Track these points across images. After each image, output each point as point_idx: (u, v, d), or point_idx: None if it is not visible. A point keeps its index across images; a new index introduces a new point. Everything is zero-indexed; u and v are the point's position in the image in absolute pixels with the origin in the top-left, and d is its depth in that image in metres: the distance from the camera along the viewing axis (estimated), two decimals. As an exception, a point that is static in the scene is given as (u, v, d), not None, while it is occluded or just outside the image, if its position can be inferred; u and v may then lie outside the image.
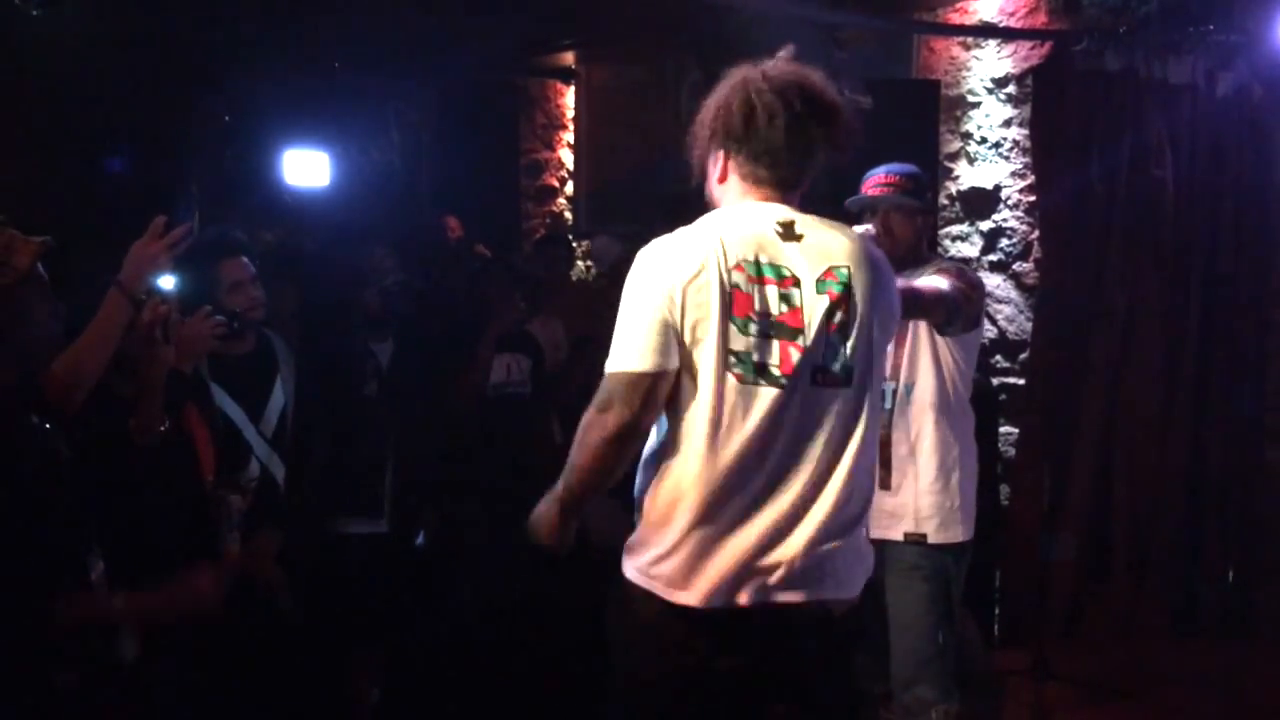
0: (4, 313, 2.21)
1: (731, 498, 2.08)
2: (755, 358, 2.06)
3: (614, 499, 2.35)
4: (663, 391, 2.08)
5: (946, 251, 5.31)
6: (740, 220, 2.13)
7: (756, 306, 2.07)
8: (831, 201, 3.31)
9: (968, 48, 5.33)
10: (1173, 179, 4.63)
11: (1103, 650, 4.58)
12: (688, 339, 2.05)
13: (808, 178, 2.19)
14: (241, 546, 3.12)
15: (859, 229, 3.13)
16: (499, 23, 6.01)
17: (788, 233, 2.13)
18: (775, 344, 2.07)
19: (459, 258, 5.70)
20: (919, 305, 2.98)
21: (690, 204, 2.30)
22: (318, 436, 3.68)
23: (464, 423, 4.23)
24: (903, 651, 3.15)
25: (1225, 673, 4.22)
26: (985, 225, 5.32)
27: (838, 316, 2.11)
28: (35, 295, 2.26)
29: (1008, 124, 5.22)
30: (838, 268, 2.12)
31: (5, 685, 2.10)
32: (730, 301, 2.05)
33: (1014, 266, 5.24)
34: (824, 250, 2.13)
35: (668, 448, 2.12)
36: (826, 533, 2.12)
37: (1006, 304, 5.25)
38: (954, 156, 5.38)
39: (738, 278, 2.06)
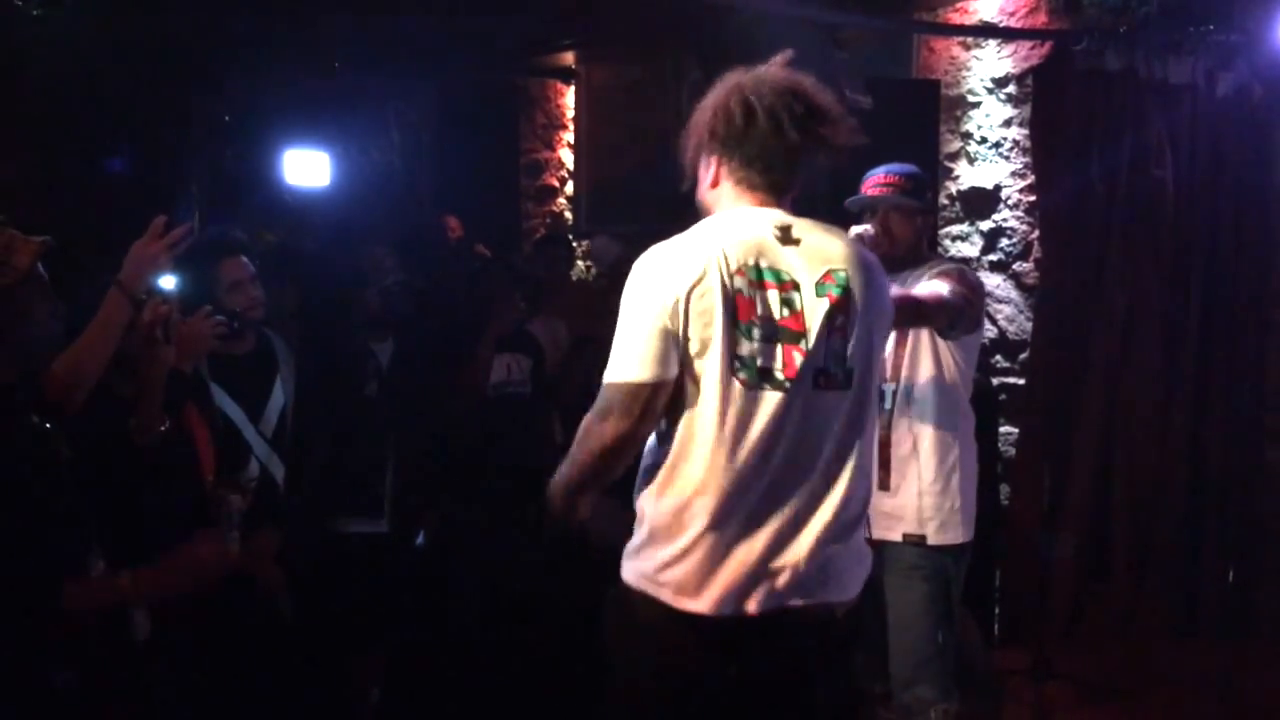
0: (4, 313, 2.21)
1: (740, 503, 2.08)
2: (759, 362, 2.06)
3: (614, 499, 2.35)
4: (662, 401, 2.08)
5: (946, 251, 5.31)
6: (738, 225, 2.13)
7: (759, 311, 2.07)
8: (831, 201, 3.32)
9: (968, 47, 5.33)
10: (1173, 179, 4.63)
11: (1103, 650, 4.58)
12: (692, 346, 2.05)
13: (800, 182, 2.20)
14: (241, 546, 3.12)
15: (858, 229, 3.14)
16: (499, 23, 6.01)
17: (785, 237, 2.13)
18: (778, 348, 2.08)
19: (459, 258, 5.70)
20: (920, 313, 2.98)
21: (690, 204, 2.30)
22: (318, 436, 3.68)
23: (464, 423, 4.23)
24: (902, 651, 3.15)
25: (1225, 673, 4.21)
26: (985, 225, 5.32)
27: (838, 319, 2.11)
28: (35, 295, 2.26)
29: (1008, 124, 5.22)
30: (836, 271, 2.13)
31: (5, 685, 2.10)
32: (734, 307, 2.05)
33: (1014, 266, 5.24)
34: (822, 254, 2.14)
35: (673, 454, 2.11)
36: (830, 536, 2.13)
37: (1006, 304, 5.25)
38: (954, 156, 5.38)
39: (740, 283, 2.06)
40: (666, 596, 2.10)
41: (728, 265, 2.06)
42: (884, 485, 3.14)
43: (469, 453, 4.24)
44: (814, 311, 2.10)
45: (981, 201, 5.32)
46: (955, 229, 5.41)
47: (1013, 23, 5.13)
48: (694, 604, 2.08)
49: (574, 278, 6.51)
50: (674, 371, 2.06)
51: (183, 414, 2.91)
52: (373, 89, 6.69)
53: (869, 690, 3.25)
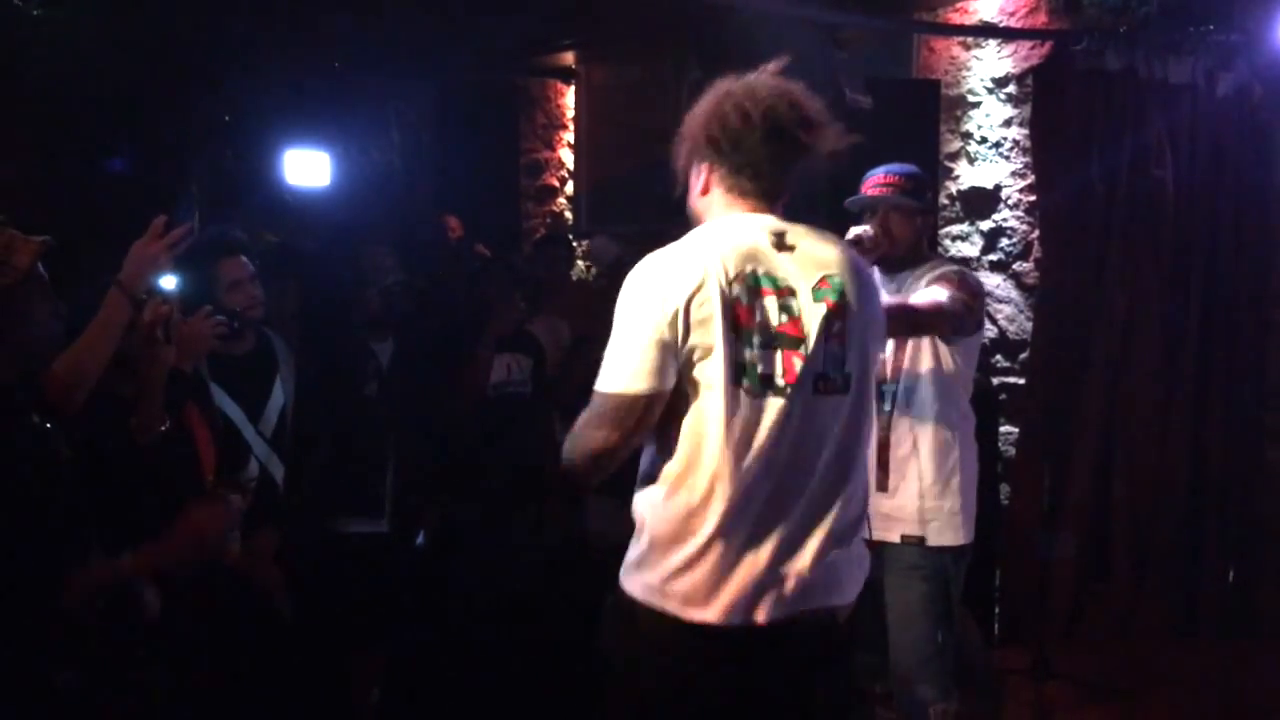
0: (4, 312, 2.21)
1: (746, 511, 2.08)
2: (760, 369, 2.07)
3: (613, 499, 2.35)
4: (656, 412, 2.09)
5: (946, 251, 5.31)
6: (733, 233, 2.13)
7: (757, 318, 2.07)
8: (831, 201, 3.32)
9: (968, 47, 5.33)
10: (1173, 179, 4.63)
11: (1103, 650, 4.58)
12: (693, 355, 2.05)
13: (791, 188, 2.20)
14: (241, 546, 3.13)
15: (858, 229, 3.14)
16: (499, 23, 6.01)
17: (780, 243, 2.14)
18: (778, 354, 2.08)
19: (459, 258, 5.69)
20: (919, 323, 2.99)
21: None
22: (318, 436, 3.68)
23: (464, 423, 4.23)
24: (902, 651, 3.15)
25: (1225, 673, 4.22)
26: (985, 225, 5.32)
27: (835, 325, 2.12)
28: (36, 295, 2.26)
29: (1008, 124, 5.22)
30: (831, 276, 2.14)
31: (6, 685, 2.10)
32: (734, 315, 2.05)
33: (1014, 266, 5.24)
34: (816, 259, 2.15)
35: (676, 462, 2.10)
36: (833, 540, 2.14)
37: (1006, 304, 5.25)
38: (954, 156, 5.38)
39: (738, 290, 2.06)
40: (673, 607, 2.10)
41: (725, 273, 2.06)
42: (882, 486, 3.14)
43: (469, 453, 4.23)
44: (812, 317, 2.11)
45: (981, 201, 5.32)
46: (955, 229, 5.41)
47: (1013, 23, 5.13)
48: (703, 614, 2.08)
49: (574, 278, 6.51)
50: (670, 383, 2.06)
51: (183, 414, 2.91)
52: (373, 89, 6.68)
53: (869, 690, 3.26)
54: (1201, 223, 4.67)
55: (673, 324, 2.03)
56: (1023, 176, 5.17)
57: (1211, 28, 4.57)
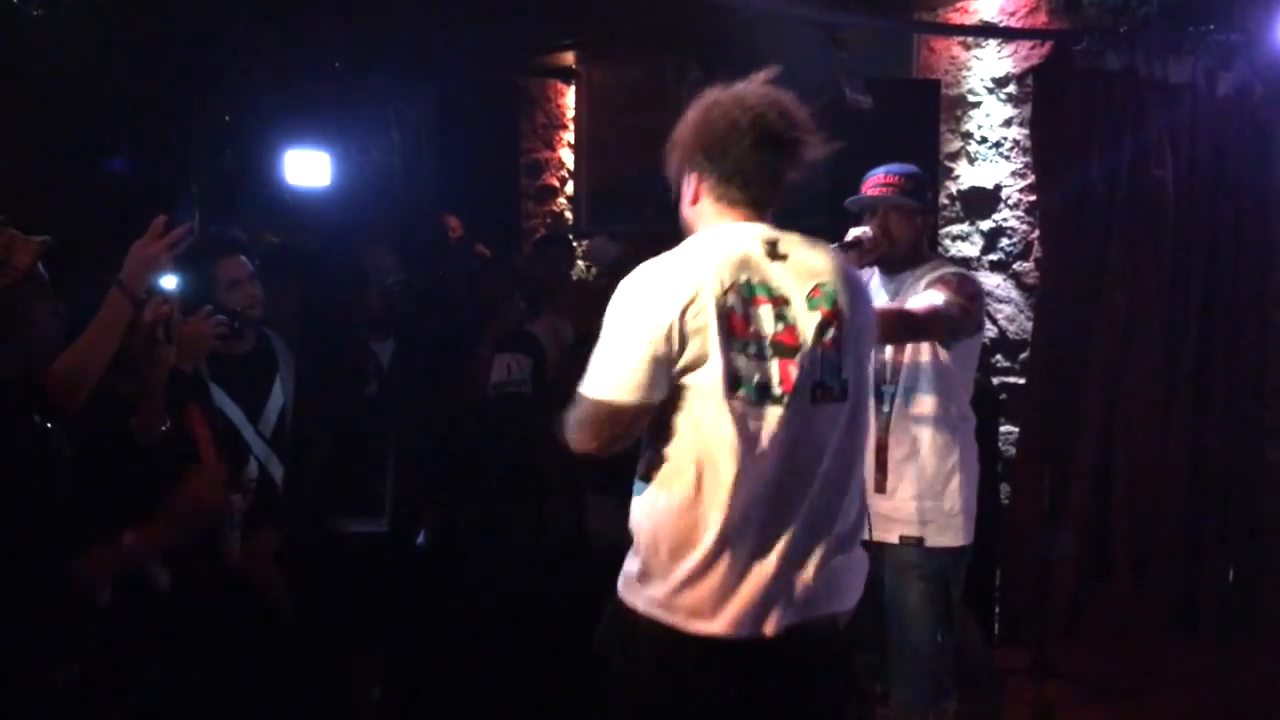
0: (4, 312, 2.21)
1: (749, 523, 2.08)
2: (756, 379, 2.07)
3: (613, 498, 2.35)
4: (642, 423, 2.10)
5: (946, 251, 5.31)
6: (726, 242, 2.14)
7: (752, 328, 2.08)
8: (832, 201, 3.32)
9: (968, 47, 5.33)
10: (1173, 179, 4.63)
11: (1103, 649, 4.58)
12: (689, 366, 2.05)
13: (780, 196, 2.21)
14: (241, 546, 3.13)
15: (856, 231, 3.14)
16: (499, 23, 6.01)
17: (773, 252, 2.14)
18: (774, 363, 2.08)
19: (459, 258, 5.69)
20: (915, 327, 3.00)
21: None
22: (318, 436, 3.68)
23: (465, 422, 4.23)
24: (901, 650, 3.15)
25: (1225, 672, 4.22)
26: (985, 225, 5.32)
27: (830, 332, 2.13)
28: (36, 295, 2.27)
29: (1008, 124, 5.22)
30: (824, 284, 2.15)
31: (6, 683, 2.11)
32: (729, 325, 2.05)
33: (1014, 266, 5.24)
34: (810, 268, 2.15)
35: (675, 475, 2.10)
36: (834, 549, 2.15)
37: (1006, 304, 5.25)
38: (954, 156, 5.38)
39: (732, 300, 2.07)
40: (679, 621, 2.09)
41: (719, 283, 2.06)
42: (881, 488, 3.15)
43: (469, 452, 4.24)
44: (806, 326, 2.11)
45: (982, 201, 5.32)
46: (955, 229, 5.41)
47: (1013, 23, 5.13)
48: (710, 626, 2.08)
49: (574, 278, 6.51)
50: (659, 396, 2.07)
51: (184, 413, 2.91)
52: (373, 89, 6.68)
53: (869, 690, 3.26)
54: (1201, 223, 4.66)
55: (668, 337, 2.03)
56: (1023, 176, 5.17)
57: (1212, 27, 4.56)
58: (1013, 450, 5.01)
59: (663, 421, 2.10)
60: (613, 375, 2.07)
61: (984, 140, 5.29)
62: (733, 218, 2.18)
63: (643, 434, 2.15)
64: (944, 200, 5.31)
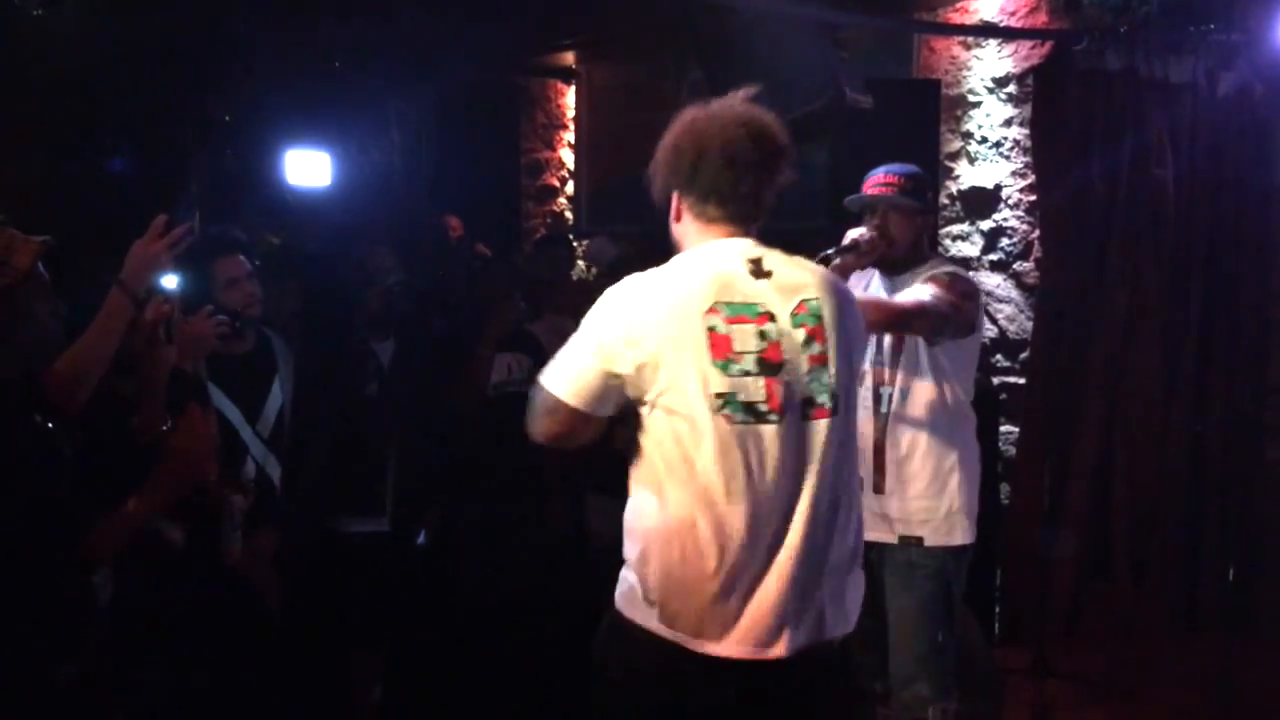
0: (5, 312, 2.21)
1: (754, 543, 2.07)
2: (741, 398, 2.06)
3: (613, 499, 2.35)
4: (589, 429, 2.15)
5: (947, 251, 5.31)
6: (709, 261, 2.14)
7: (735, 346, 2.07)
8: (831, 201, 3.32)
9: (968, 47, 5.33)
10: (1173, 179, 4.63)
11: (1103, 649, 4.58)
12: (671, 386, 2.05)
13: (763, 212, 2.21)
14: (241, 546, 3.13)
15: (854, 233, 3.13)
16: (499, 23, 6.01)
17: (757, 270, 2.14)
18: (760, 381, 2.07)
19: (459, 257, 5.69)
20: (900, 320, 2.99)
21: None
22: (318, 436, 3.68)
23: (465, 422, 4.23)
24: (901, 650, 3.15)
25: (1225, 672, 4.21)
26: (986, 225, 5.32)
27: (815, 348, 2.13)
28: (36, 295, 2.27)
29: (1008, 123, 5.22)
30: (809, 300, 2.15)
31: (6, 683, 2.11)
32: (708, 344, 2.05)
33: (1014, 266, 5.24)
34: (793, 284, 2.15)
35: (671, 498, 2.09)
36: (839, 566, 2.16)
37: (1006, 304, 5.25)
38: (954, 156, 5.38)
39: (713, 320, 2.07)
40: (682, 639, 2.08)
41: (701, 302, 2.07)
42: (879, 488, 3.15)
43: (469, 452, 4.24)
44: (791, 342, 2.11)
45: (982, 201, 5.32)
46: (955, 229, 5.41)
47: (1013, 22, 5.13)
48: (715, 647, 2.07)
49: (574, 277, 6.51)
50: (606, 413, 2.11)
51: (185, 413, 2.90)
52: (373, 89, 6.68)
53: (869, 690, 3.25)
54: (1201, 223, 4.66)
55: (628, 359, 2.06)
56: (1023, 176, 5.17)
57: (1212, 27, 4.56)
58: (1013, 450, 5.01)
59: (650, 439, 2.10)
60: (567, 375, 2.13)
61: (984, 140, 5.29)
62: (715, 235, 2.19)
63: (627, 449, 2.16)
64: (944, 200, 5.31)
